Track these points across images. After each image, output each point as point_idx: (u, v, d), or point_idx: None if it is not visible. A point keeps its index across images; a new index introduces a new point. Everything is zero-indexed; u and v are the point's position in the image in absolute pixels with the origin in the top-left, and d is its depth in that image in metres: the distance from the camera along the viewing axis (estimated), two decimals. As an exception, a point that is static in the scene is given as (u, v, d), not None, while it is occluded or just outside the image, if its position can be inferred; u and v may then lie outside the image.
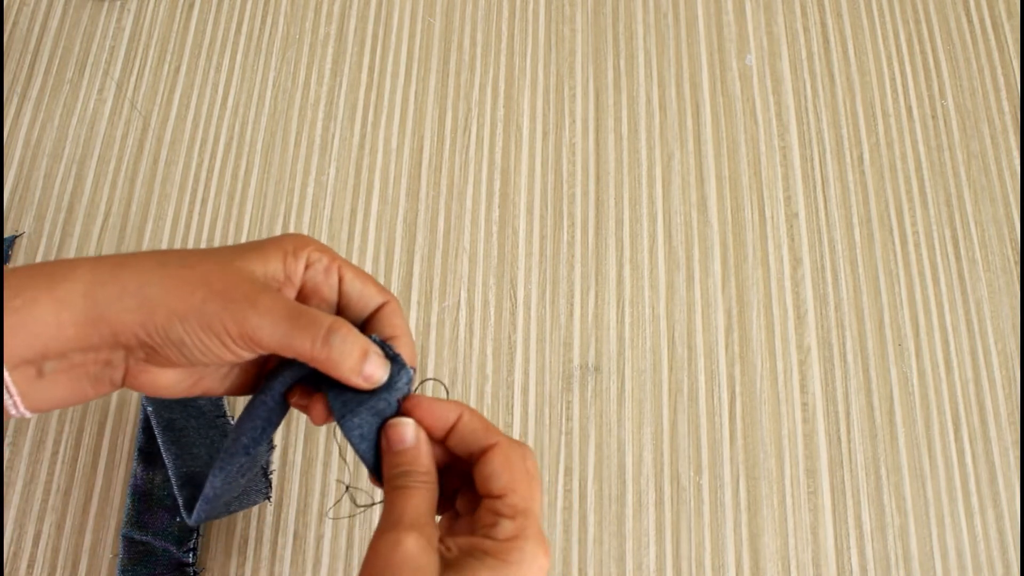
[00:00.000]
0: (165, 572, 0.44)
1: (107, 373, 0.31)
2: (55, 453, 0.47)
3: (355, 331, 0.31)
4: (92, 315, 0.29)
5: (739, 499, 0.46)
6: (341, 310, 0.34)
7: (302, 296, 0.33)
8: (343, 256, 0.38)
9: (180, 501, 0.43)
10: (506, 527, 0.30)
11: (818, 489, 0.46)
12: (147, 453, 0.46)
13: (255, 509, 0.46)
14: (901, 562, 0.45)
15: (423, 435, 0.32)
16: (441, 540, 0.30)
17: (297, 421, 0.48)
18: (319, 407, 0.32)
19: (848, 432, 0.48)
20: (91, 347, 0.29)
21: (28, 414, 0.30)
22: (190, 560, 0.44)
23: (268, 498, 0.44)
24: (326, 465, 0.47)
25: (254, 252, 0.31)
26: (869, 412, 0.48)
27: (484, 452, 0.31)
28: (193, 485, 0.43)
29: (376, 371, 0.31)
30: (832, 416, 0.48)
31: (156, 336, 0.29)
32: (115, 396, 0.48)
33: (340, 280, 0.33)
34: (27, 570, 0.45)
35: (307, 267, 0.32)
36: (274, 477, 0.46)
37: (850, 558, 0.45)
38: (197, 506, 0.39)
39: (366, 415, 0.32)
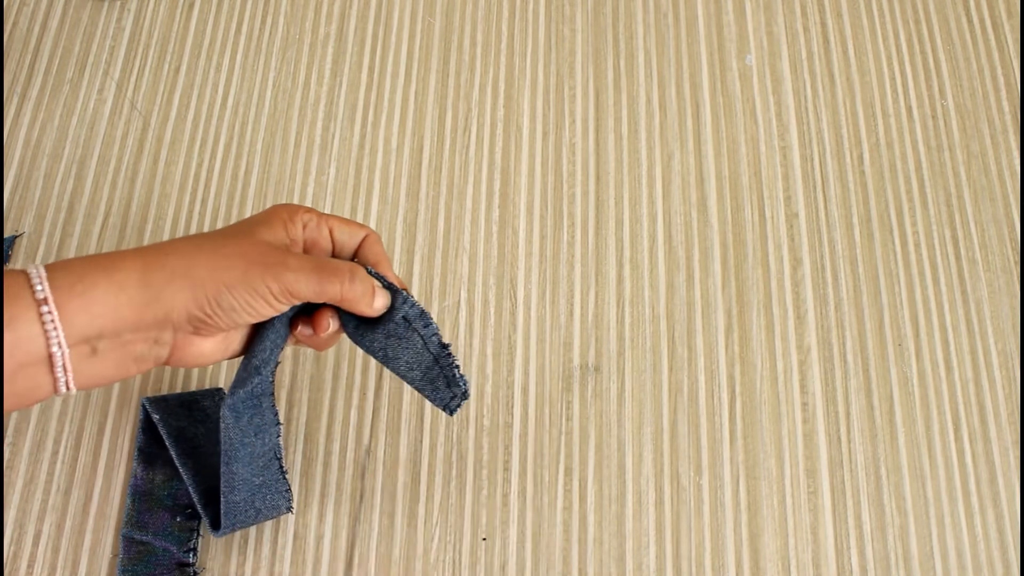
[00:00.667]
0: (165, 572, 0.44)
1: (154, 351, 0.35)
2: (55, 453, 0.47)
3: (364, 271, 0.38)
4: (147, 296, 0.33)
5: (739, 499, 0.46)
6: (335, 252, 0.40)
7: (305, 249, 0.39)
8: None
9: (207, 521, 0.43)
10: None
11: (818, 489, 0.46)
12: (147, 453, 0.46)
13: (255, 509, 0.46)
14: (901, 562, 0.45)
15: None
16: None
17: (296, 421, 0.48)
18: (322, 319, 0.39)
19: (848, 432, 0.48)
20: (143, 326, 0.33)
21: (74, 391, 0.33)
22: (190, 560, 0.44)
23: (291, 508, 0.44)
24: (326, 465, 0.47)
25: (263, 225, 0.37)
26: (869, 412, 0.48)
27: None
28: (217, 502, 0.43)
29: (382, 302, 0.38)
30: (832, 416, 0.48)
31: (207, 307, 0.34)
32: (115, 396, 0.48)
33: (330, 230, 0.39)
34: (27, 570, 0.45)
35: (304, 227, 0.38)
36: (274, 477, 0.46)
37: (850, 558, 0.45)
38: (222, 497, 0.40)
39: (380, 337, 0.39)
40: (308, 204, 0.54)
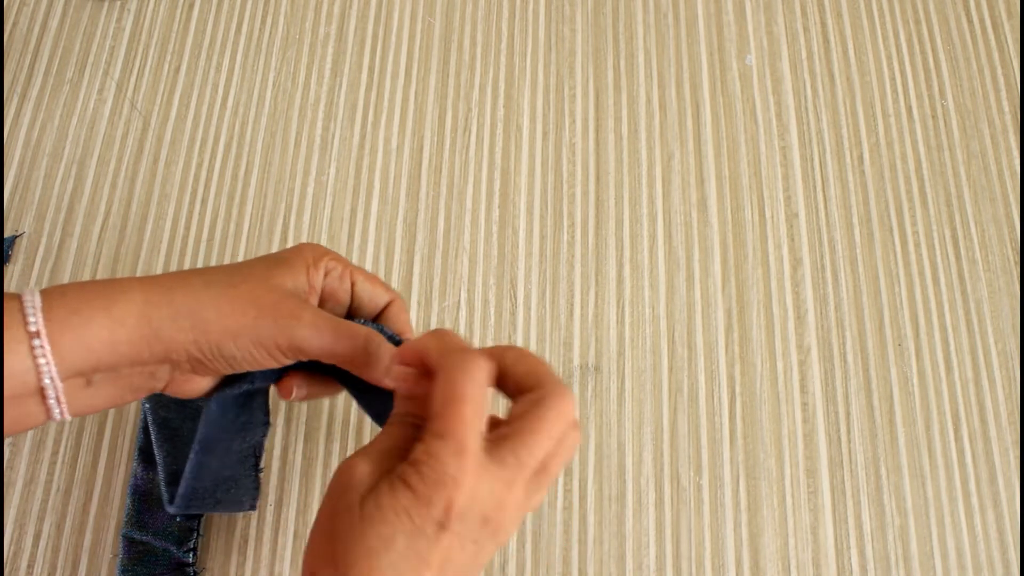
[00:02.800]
0: (165, 572, 0.44)
1: (149, 383, 0.33)
2: (55, 453, 0.47)
3: (385, 340, 0.35)
4: (146, 333, 0.31)
5: (739, 499, 0.46)
6: (353, 310, 0.38)
7: (321, 300, 0.36)
8: (346, 257, 0.41)
9: (165, 496, 0.42)
10: (416, 450, 0.30)
11: (818, 489, 0.46)
12: (147, 453, 0.46)
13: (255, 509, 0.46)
14: (901, 562, 0.45)
15: (423, 384, 0.33)
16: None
17: (296, 421, 0.48)
18: (287, 385, 0.36)
19: (848, 432, 0.48)
20: (140, 362, 0.32)
21: (69, 418, 0.32)
22: (190, 560, 0.44)
23: (253, 506, 0.42)
24: (326, 465, 0.47)
25: (284, 266, 0.34)
26: (869, 412, 0.48)
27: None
28: (179, 481, 0.42)
29: (401, 373, 0.33)
30: (832, 416, 0.48)
31: (208, 353, 0.32)
32: (115, 396, 0.48)
33: (352, 284, 0.37)
34: (27, 570, 0.45)
35: (325, 275, 0.36)
36: (274, 477, 0.46)
37: (850, 558, 0.45)
38: (183, 479, 0.39)
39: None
40: (308, 204, 0.54)
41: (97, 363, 0.31)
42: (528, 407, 0.31)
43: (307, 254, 0.36)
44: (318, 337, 0.33)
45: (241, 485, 0.42)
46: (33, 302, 0.30)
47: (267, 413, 0.40)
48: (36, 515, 0.46)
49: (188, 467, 0.39)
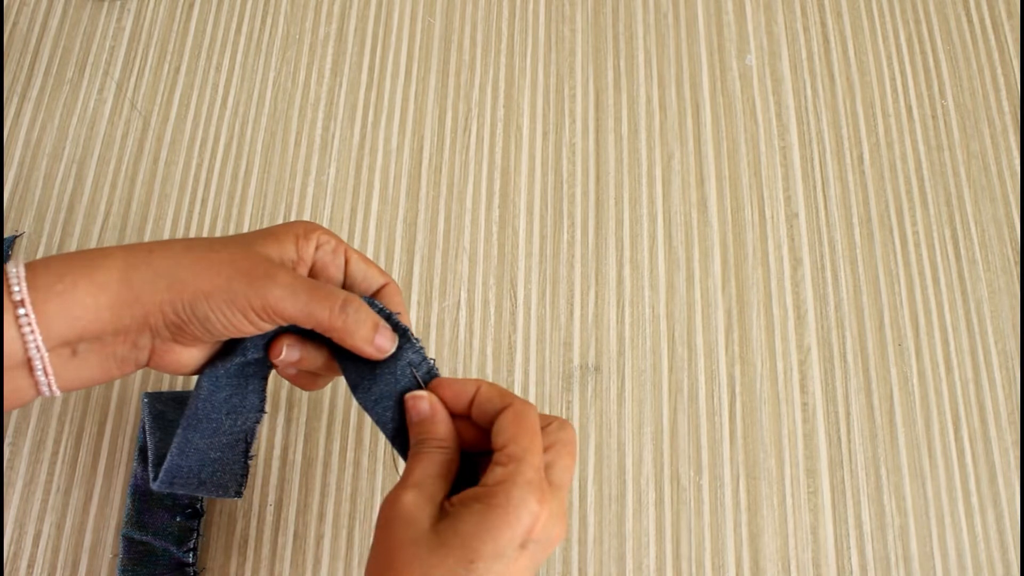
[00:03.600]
0: (165, 572, 0.44)
1: (133, 354, 0.33)
2: (55, 453, 0.47)
3: (366, 305, 0.34)
4: (127, 297, 0.31)
5: (739, 499, 0.46)
6: (346, 288, 0.37)
7: (312, 274, 0.36)
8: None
9: (151, 474, 0.41)
10: (496, 473, 0.31)
11: (818, 489, 0.46)
12: (147, 453, 0.46)
13: (255, 509, 0.46)
14: (901, 562, 0.45)
15: (439, 407, 0.34)
16: (448, 499, 0.32)
17: (296, 421, 0.48)
18: (277, 345, 0.36)
19: (848, 432, 0.48)
20: (123, 329, 0.32)
21: (58, 392, 0.32)
22: (190, 560, 0.44)
23: (239, 493, 0.41)
24: (326, 465, 0.47)
25: (270, 237, 0.34)
26: (869, 412, 0.48)
27: (497, 415, 0.33)
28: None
29: (385, 342, 0.35)
30: (832, 416, 0.48)
31: (183, 313, 0.32)
32: (115, 396, 0.48)
33: (346, 261, 0.36)
34: (27, 570, 0.45)
35: (316, 248, 0.35)
36: (274, 477, 0.46)
37: (850, 558, 0.45)
38: (168, 455, 0.38)
39: (382, 388, 0.35)
40: (308, 204, 0.54)
41: (82, 331, 0.31)
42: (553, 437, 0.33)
43: (298, 227, 0.35)
44: (292, 298, 0.32)
45: (228, 470, 0.40)
46: (18, 272, 0.30)
47: (263, 400, 0.39)
48: (36, 515, 0.46)
49: (174, 443, 0.38)
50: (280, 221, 0.53)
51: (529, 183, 0.54)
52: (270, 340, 0.36)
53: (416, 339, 0.36)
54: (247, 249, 0.33)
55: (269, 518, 0.46)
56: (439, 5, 0.60)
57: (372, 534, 0.45)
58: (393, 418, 0.36)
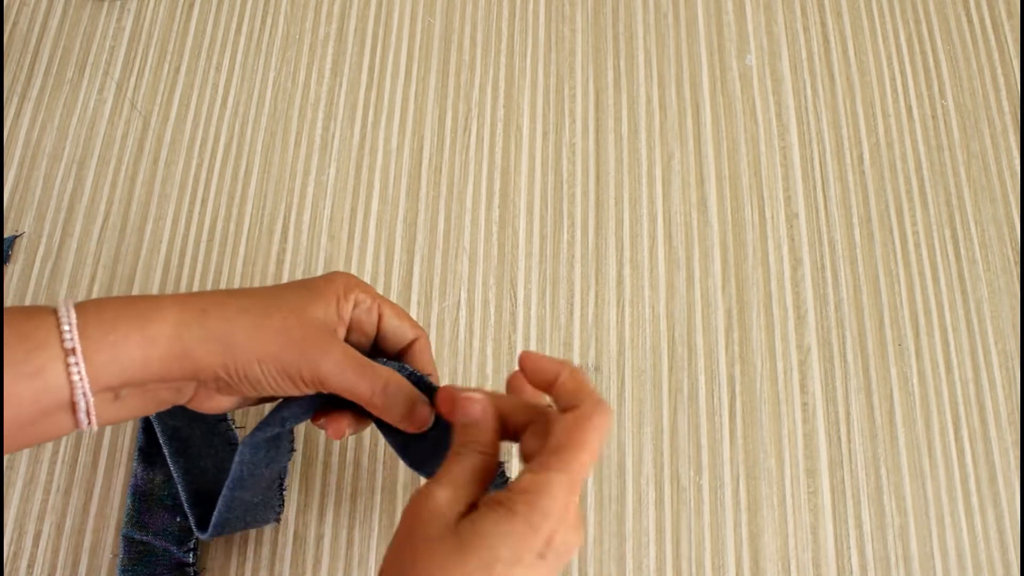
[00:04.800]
0: (165, 572, 0.44)
1: (175, 397, 0.35)
2: (55, 453, 0.47)
3: (406, 384, 0.36)
4: (177, 353, 0.32)
5: (739, 499, 0.46)
6: (378, 342, 0.39)
7: (348, 330, 0.37)
8: (348, 264, 0.42)
9: (192, 520, 0.43)
10: (524, 479, 0.31)
11: (818, 489, 0.46)
12: (147, 453, 0.46)
13: (255, 509, 0.46)
14: (901, 562, 0.45)
15: (491, 414, 0.34)
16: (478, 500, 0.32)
17: (297, 421, 0.48)
18: (339, 426, 0.37)
19: (848, 432, 0.48)
20: (170, 379, 0.33)
21: (95, 428, 0.33)
22: (190, 560, 0.44)
23: (278, 519, 0.44)
24: (326, 465, 0.47)
25: (316, 296, 0.35)
26: (869, 412, 0.48)
27: (565, 410, 0.33)
28: (204, 503, 0.43)
29: (421, 418, 0.36)
30: (832, 416, 0.48)
31: (235, 375, 0.33)
32: (115, 396, 0.48)
33: (380, 317, 0.38)
34: (27, 570, 0.45)
35: (354, 307, 0.37)
36: (274, 477, 0.46)
37: (850, 558, 0.45)
38: (216, 512, 0.40)
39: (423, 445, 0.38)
40: (308, 204, 0.54)
41: (128, 380, 0.32)
42: (571, 423, 0.32)
43: (339, 285, 0.36)
44: (340, 375, 0.34)
45: (268, 506, 0.43)
46: (69, 318, 0.31)
47: (292, 441, 0.41)
48: (36, 515, 0.46)
49: (221, 502, 0.39)
50: (280, 222, 0.53)
51: (529, 183, 0.54)
52: (311, 409, 0.38)
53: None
54: (299, 315, 0.34)
55: (269, 518, 0.46)
56: (439, 5, 0.60)
57: (372, 534, 0.45)
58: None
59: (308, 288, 0.36)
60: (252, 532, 0.45)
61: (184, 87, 0.57)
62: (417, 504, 0.31)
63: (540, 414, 0.34)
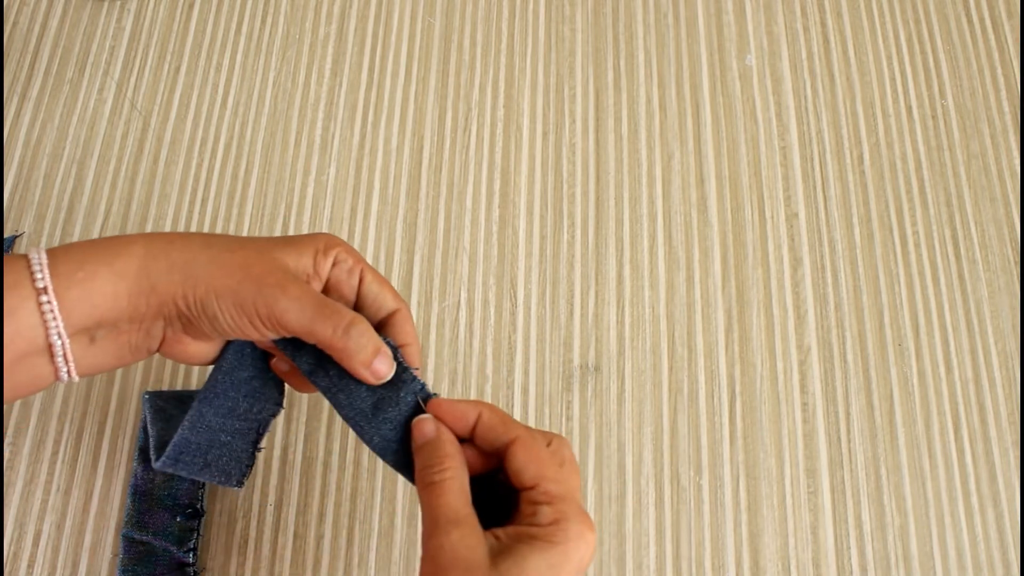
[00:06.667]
0: (165, 572, 0.44)
1: (146, 342, 0.34)
2: (55, 453, 0.47)
3: (371, 329, 0.34)
4: (144, 286, 0.32)
5: (739, 499, 0.46)
6: (357, 309, 0.37)
7: (325, 291, 0.36)
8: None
9: (153, 456, 0.40)
10: (546, 513, 0.31)
11: (818, 489, 0.46)
12: (147, 453, 0.46)
13: (255, 509, 0.46)
14: (901, 562, 0.45)
15: (443, 428, 0.34)
16: (491, 531, 0.32)
17: (297, 421, 0.48)
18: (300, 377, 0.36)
19: (848, 432, 0.48)
20: (138, 317, 0.33)
21: (76, 378, 0.33)
22: (190, 560, 0.44)
23: (241, 483, 0.40)
24: (326, 465, 0.47)
25: (290, 246, 0.34)
26: (869, 412, 0.48)
27: (507, 447, 0.33)
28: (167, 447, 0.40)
29: (383, 368, 0.34)
30: (832, 416, 0.48)
31: (194, 308, 0.32)
32: (115, 396, 0.48)
33: (360, 281, 0.36)
34: (27, 570, 0.45)
35: (334, 265, 0.36)
36: (274, 477, 0.46)
37: (850, 558, 0.45)
38: (179, 429, 0.38)
39: (381, 426, 0.35)
40: (308, 204, 0.54)
41: (100, 318, 0.32)
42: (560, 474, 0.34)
43: (319, 241, 0.35)
44: (298, 312, 0.32)
45: (235, 457, 0.40)
46: (40, 259, 0.31)
47: (282, 394, 0.39)
48: (36, 515, 0.46)
49: (186, 417, 0.38)
50: (280, 221, 0.53)
51: (529, 183, 0.54)
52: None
53: (418, 379, 0.36)
54: (263, 255, 0.33)
55: (269, 518, 0.46)
56: (439, 5, 0.60)
57: (372, 534, 0.45)
58: (394, 444, 0.36)
59: (286, 239, 0.35)
60: (252, 532, 0.45)
61: (184, 87, 0.57)
62: (436, 558, 0.30)
63: (526, 430, 0.34)
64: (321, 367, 0.35)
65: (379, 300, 0.37)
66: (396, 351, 0.36)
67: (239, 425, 0.39)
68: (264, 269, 0.33)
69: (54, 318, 0.31)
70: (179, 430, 0.38)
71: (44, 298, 0.30)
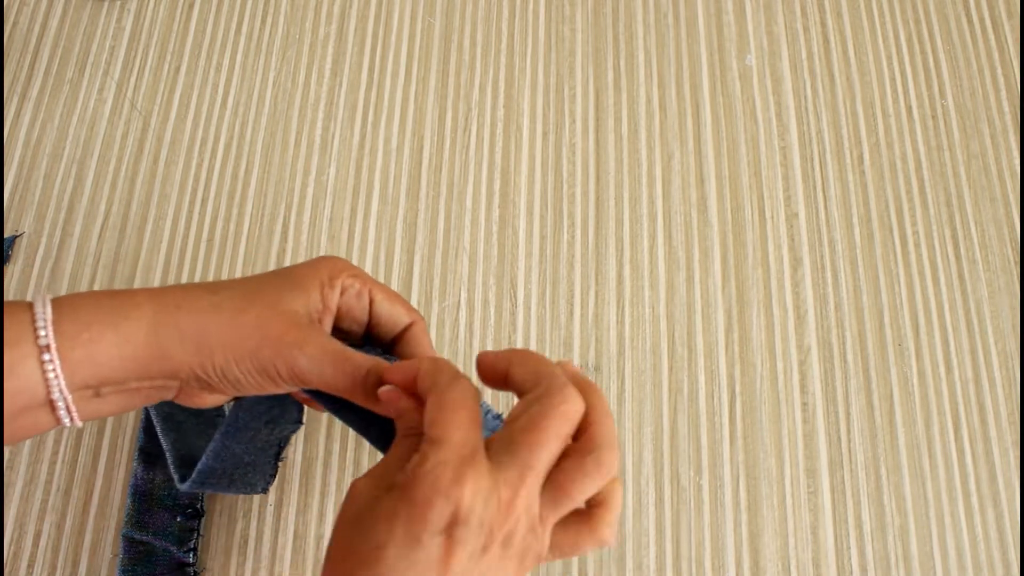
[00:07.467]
0: (165, 572, 0.44)
1: (159, 394, 0.34)
2: (55, 453, 0.47)
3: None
4: (154, 352, 0.31)
5: (739, 499, 0.46)
6: (371, 328, 0.37)
7: (338, 317, 0.36)
8: (349, 259, 0.40)
9: (176, 476, 0.41)
10: (414, 458, 0.29)
11: (818, 489, 0.46)
12: (147, 453, 0.46)
13: (255, 509, 0.46)
14: (901, 562, 0.45)
15: (405, 396, 0.32)
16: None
17: (297, 421, 0.48)
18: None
19: (848, 432, 0.48)
20: (148, 376, 0.32)
21: (80, 424, 0.32)
22: (190, 560, 0.44)
23: (266, 489, 0.42)
24: (326, 465, 0.47)
25: (296, 288, 0.34)
26: (869, 412, 0.48)
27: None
28: (191, 464, 0.42)
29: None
30: (832, 416, 0.48)
31: (213, 375, 0.32)
32: (115, 396, 0.48)
33: (371, 302, 0.36)
34: (27, 570, 0.45)
35: (342, 293, 0.35)
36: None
37: (850, 558, 0.45)
38: (203, 458, 0.38)
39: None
40: (308, 204, 0.54)
41: (105, 378, 0.31)
42: (524, 406, 0.30)
43: (323, 272, 0.35)
44: (318, 371, 0.32)
45: (259, 471, 0.41)
46: (44, 314, 0.30)
47: (302, 411, 0.40)
48: (36, 515, 0.46)
49: (211, 447, 0.38)
50: (280, 221, 0.53)
51: (529, 183, 0.54)
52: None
53: None
54: (275, 309, 0.33)
55: (269, 518, 0.46)
56: (439, 5, 0.60)
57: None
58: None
59: (289, 277, 0.34)
60: (252, 532, 0.45)
61: (184, 87, 0.57)
62: (347, 494, 0.30)
63: (435, 384, 0.31)
64: (345, 406, 0.35)
65: (393, 317, 0.36)
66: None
67: (260, 446, 0.40)
68: (280, 328, 0.32)
69: (56, 376, 0.30)
70: (203, 459, 0.39)
71: (47, 356, 0.30)
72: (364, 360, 0.33)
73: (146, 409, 0.46)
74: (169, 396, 0.34)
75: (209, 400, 0.35)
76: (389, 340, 0.37)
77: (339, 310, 0.35)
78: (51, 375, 0.30)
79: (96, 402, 0.32)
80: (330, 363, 0.32)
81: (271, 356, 0.32)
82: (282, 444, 0.40)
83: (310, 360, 0.32)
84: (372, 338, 0.38)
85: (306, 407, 0.40)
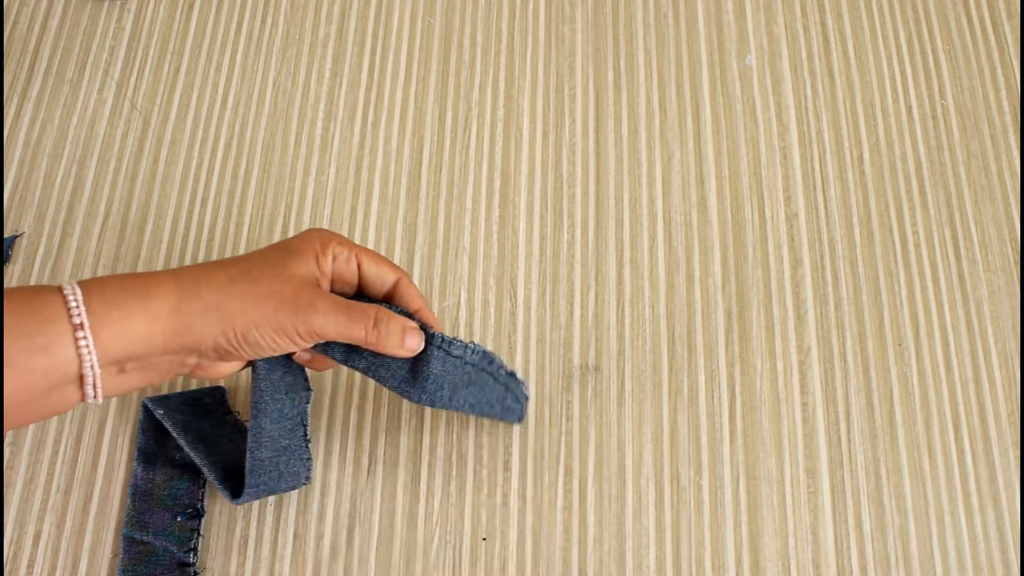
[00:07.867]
0: (165, 572, 0.44)
1: (178, 369, 0.37)
2: (55, 453, 0.47)
3: (394, 315, 0.39)
4: (179, 327, 0.34)
5: (739, 499, 0.46)
6: (361, 288, 0.41)
7: (331, 282, 0.39)
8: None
9: (227, 494, 0.43)
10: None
11: (818, 489, 0.46)
12: (147, 453, 0.46)
13: (255, 509, 0.46)
14: (901, 562, 0.45)
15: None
16: None
17: (297, 421, 0.48)
18: (325, 360, 0.41)
19: (848, 432, 0.48)
20: (171, 351, 0.35)
21: (100, 401, 0.35)
22: (190, 560, 0.44)
23: (309, 479, 0.44)
24: (326, 465, 0.47)
25: (296, 257, 0.38)
26: (869, 412, 0.48)
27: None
28: (235, 476, 0.44)
29: (414, 342, 0.39)
30: (832, 416, 0.48)
31: (234, 341, 0.35)
32: (115, 396, 0.48)
33: (359, 265, 0.40)
34: (27, 570, 0.45)
35: (333, 259, 0.39)
36: (274, 477, 0.46)
37: (850, 558, 0.45)
38: (247, 455, 0.41)
39: (425, 383, 0.40)
40: (308, 204, 0.54)
41: (132, 354, 0.34)
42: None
43: (315, 241, 0.38)
44: (333, 324, 0.37)
45: (297, 455, 0.43)
46: (75, 295, 0.33)
47: (307, 379, 0.42)
48: (36, 515, 0.46)
49: (249, 438, 0.40)
50: (280, 221, 0.53)
51: (529, 183, 0.54)
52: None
53: (447, 336, 0.40)
54: (282, 275, 0.37)
55: (269, 518, 0.46)
56: (439, 5, 0.60)
57: (372, 534, 0.45)
58: (445, 391, 0.41)
59: (287, 249, 0.38)
60: (252, 532, 0.45)
61: (184, 87, 0.57)
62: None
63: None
64: (355, 353, 0.39)
65: (380, 277, 0.40)
66: (412, 317, 0.40)
67: (289, 424, 0.41)
68: (292, 291, 0.36)
69: (89, 353, 0.32)
70: (247, 452, 0.41)
71: (80, 334, 0.32)
72: (369, 307, 0.38)
73: (145, 408, 0.46)
74: (186, 371, 0.37)
75: (225, 370, 0.38)
76: (379, 297, 0.41)
77: (332, 276, 0.39)
78: (85, 351, 0.32)
79: (120, 378, 0.35)
80: (343, 315, 0.37)
81: (289, 317, 0.35)
82: (304, 421, 0.42)
83: (324, 315, 0.36)
84: (362, 298, 0.41)
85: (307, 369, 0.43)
